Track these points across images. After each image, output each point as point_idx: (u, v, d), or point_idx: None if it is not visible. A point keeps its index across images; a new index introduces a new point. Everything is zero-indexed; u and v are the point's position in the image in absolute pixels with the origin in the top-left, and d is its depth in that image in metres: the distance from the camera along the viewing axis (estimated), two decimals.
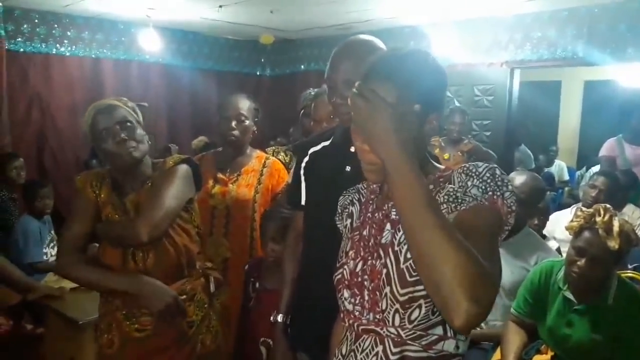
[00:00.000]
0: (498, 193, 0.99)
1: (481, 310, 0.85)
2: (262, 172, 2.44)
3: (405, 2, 4.32)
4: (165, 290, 1.67)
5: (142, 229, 1.59)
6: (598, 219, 1.90)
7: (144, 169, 1.76)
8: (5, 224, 3.64)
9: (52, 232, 3.55)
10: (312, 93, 2.77)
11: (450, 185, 1.03)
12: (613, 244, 1.86)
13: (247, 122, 2.38)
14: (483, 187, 1.00)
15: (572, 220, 2.00)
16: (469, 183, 1.01)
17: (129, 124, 1.68)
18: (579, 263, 1.93)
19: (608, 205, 1.95)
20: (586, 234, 1.93)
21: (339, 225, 1.30)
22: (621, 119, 4.70)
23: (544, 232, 3.12)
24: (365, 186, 1.27)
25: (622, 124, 4.55)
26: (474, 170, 1.02)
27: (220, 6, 4.54)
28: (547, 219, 3.18)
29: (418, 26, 5.09)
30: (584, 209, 1.99)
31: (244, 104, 2.38)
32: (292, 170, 2.40)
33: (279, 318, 1.74)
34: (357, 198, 1.27)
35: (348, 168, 1.54)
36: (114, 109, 1.68)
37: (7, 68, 4.59)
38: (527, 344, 2.17)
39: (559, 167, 6.44)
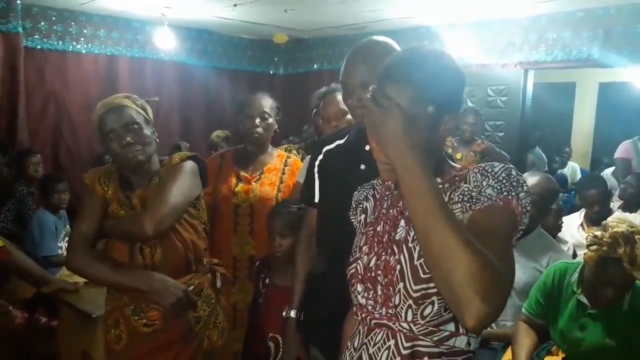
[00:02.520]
0: (513, 193, 0.99)
1: (493, 310, 0.86)
2: (284, 171, 2.47)
3: (419, 3, 4.31)
4: (175, 284, 1.68)
5: (148, 223, 1.61)
6: (620, 250, 1.82)
7: (151, 166, 1.77)
8: (22, 218, 3.71)
9: (67, 226, 3.59)
10: (323, 92, 2.79)
11: (466, 185, 1.04)
12: (639, 275, 1.82)
13: (271, 119, 2.41)
14: (498, 187, 1.00)
15: (587, 249, 1.91)
16: (484, 183, 1.01)
17: (135, 125, 1.69)
18: (606, 293, 1.89)
19: (624, 231, 1.86)
20: (610, 266, 1.85)
21: (352, 220, 1.31)
22: (636, 121, 4.65)
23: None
24: (380, 182, 1.28)
25: (638, 127, 4.51)
26: (489, 170, 1.03)
27: (235, 5, 4.56)
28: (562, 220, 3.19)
29: (432, 26, 5.08)
30: (597, 234, 1.89)
31: (267, 102, 2.41)
32: (304, 168, 2.44)
33: (292, 314, 1.75)
34: (371, 194, 1.28)
35: (362, 166, 1.55)
36: (121, 110, 1.70)
37: (25, 65, 4.64)
38: (538, 345, 2.16)
39: (572, 169, 6.39)
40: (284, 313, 1.78)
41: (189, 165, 1.79)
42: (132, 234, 1.67)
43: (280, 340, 2.09)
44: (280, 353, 2.08)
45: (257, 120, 2.36)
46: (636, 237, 1.83)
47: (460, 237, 0.87)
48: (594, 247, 1.88)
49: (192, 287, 1.74)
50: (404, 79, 1.02)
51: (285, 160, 2.50)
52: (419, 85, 1.02)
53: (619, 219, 1.95)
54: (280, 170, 2.46)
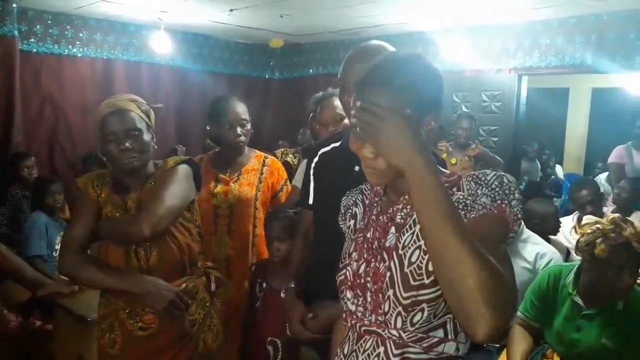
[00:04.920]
0: (506, 201, 1.00)
1: (504, 322, 0.86)
2: (262, 171, 2.50)
3: (415, 8, 4.34)
4: (167, 287, 1.68)
5: (144, 224, 1.61)
6: (625, 232, 1.87)
7: (145, 169, 1.78)
8: (17, 221, 3.71)
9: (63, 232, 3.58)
10: (320, 96, 2.81)
11: (460, 193, 1.04)
12: None
13: (249, 125, 2.45)
14: (492, 196, 1.00)
15: (595, 245, 1.94)
16: (479, 191, 1.01)
17: (136, 132, 1.70)
18: (624, 281, 1.91)
19: (616, 217, 1.94)
20: (621, 251, 1.89)
21: (341, 225, 1.31)
22: (630, 126, 4.69)
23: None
24: (368, 187, 1.28)
25: (631, 132, 4.54)
26: (483, 178, 1.03)
27: (231, 10, 4.58)
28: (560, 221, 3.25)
29: (427, 32, 5.11)
30: (598, 226, 1.95)
31: (242, 108, 2.43)
32: (301, 172, 2.47)
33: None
34: (360, 199, 1.28)
35: (357, 168, 1.57)
36: (125, 114, 1.71)
37: (21, 68, 4.64)
38: (533, 348, 2.18)
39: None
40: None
41: (184, 168, 1.80)
42: (128, 235, 1.67)
43: (279, 343, 2.10)
44: (280, 356, 2.09)
45: (239, 129, 2.40)
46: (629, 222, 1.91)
47: (472, 247, 0.86)
48: (600, 239, 1.91)
49: (184, 286, 1.75)
50: (381, 84, 1.02)
51: (263, 161, 2.54)
52: (395, 89, 1.01)
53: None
54: (258, 171, 2.50)
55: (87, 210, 1.75)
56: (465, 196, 1.02)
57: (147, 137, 1.74)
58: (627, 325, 1.95)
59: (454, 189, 1.06)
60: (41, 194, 3.55)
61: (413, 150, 0.92)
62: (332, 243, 1.41)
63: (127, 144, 1.68)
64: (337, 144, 1.74)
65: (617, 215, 1.96)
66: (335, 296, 1.22)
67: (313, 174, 1.77)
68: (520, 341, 2.14)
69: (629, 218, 3.41)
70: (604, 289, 1.95)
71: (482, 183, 1.02)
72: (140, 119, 1.74)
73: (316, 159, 1.77)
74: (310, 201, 1.78)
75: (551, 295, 2.11)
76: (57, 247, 3.45)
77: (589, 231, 1.96)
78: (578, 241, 2.02)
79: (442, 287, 0.92)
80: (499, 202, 1.00)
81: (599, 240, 1.91)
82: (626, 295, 1.96)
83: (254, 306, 2.24)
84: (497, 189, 1.01)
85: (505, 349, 2.22)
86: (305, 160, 2.00)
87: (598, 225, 1.95)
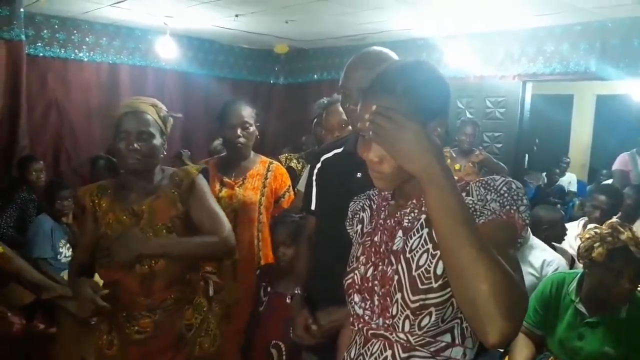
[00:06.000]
0: (514, 207, 1.00)
1: (516, 328, 0.87)
2: (266, 176, 2.53)
3: (419, 15, 4.35)
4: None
5: (230, 238, 1.74)
6: (623, 236, 1.88)
7: (151, 174, 1.80)
8: (23, 225, 3.71)
9: (67, 237, 3.58)
10: (325, 102, 2.82)
11: (470, 198, 1.04)
12: None
13: (252, 128, 2.47)
14: (501, 201, 1.01)
15: (593, 249, 1.95)
16: (489, 197, 1.02)
17: (147, 135, 1.72)
18: (622, 286, 1.91)
19: (615, 222, 1.96)
20: (619, 255, 1.90)
21: (349, 230, 1.32)
22: (634, 133, 4.68)
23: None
24: (376, 192, 1.28)
25: (635, 139, 4.54)
26: (491, 184, 1.04)
27: (237, 16, 4.61)
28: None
29: (431, 38, 5.12)
30: (597, 231, 1.96)
31: (247, 111, 2.46)
32: (304, 177, 2.48)
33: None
34: (367, 204, 1.28)
35: (359, 174, 1.57)
36: (141, 116, 1.72)
37: (27, 72, 4.65)
38: (535, 356, 2.17)
39: (571, 180, 6.42)
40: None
41: (204, 179, 1.87)
42: (215, 254, 1.80)
43: (283, 347, 2.10)
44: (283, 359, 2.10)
45: (239, 131, 2.42)
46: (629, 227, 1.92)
47: (486, 251, 0.87)
48: (598, 243, 1.92)
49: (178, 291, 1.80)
50: (385, 91, 1.03)
51: (268, 166, 2.57)
52: (399, 96, 1.02)
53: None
54: (263, 176, 2.53)
55: (87, 228, 1.84)
56: (475, 201, 1.03)
57: (157, 142, 1.75)
58: (629, 333, 1.94)
59: (463, 195, 1.06)
60: (52, 198, 3.55)
61: (430, 156, 0.91)
62: (335, 248, 1.42)
63: (136, 145, 1.69)
64: (339, 150, 1.74)
65: (615, 220, 1.96)
66: (338, 301, 1.22)
67: (315, 180, 1.78)
68: (522, 348, 2.14)
69: (634, 225, 3.43)
70: (603, 294, 1.95)
71: (491, 189, 1.03)
72: (155, 124, 1.75)
73: (318, 165, 1.78)
74: (313, 207, 1.79)
75: (554, 303, 2.11)
76: (61, 250, 3.47)
77: (587, 236, 1.97)
78: (579, 248, 2.03)
79: (454, 291, 0.93)
80: (507, 207, 1.00)
81: (596, 244, 1.93)
82: (626, 301, 1.96)
83: (259, 310, 2.25)
84: (506, 195, 1.01)
85: (507, 356, 2.21)
86: (309, 166, 2.02)
87: (596, 230, 1.96)
